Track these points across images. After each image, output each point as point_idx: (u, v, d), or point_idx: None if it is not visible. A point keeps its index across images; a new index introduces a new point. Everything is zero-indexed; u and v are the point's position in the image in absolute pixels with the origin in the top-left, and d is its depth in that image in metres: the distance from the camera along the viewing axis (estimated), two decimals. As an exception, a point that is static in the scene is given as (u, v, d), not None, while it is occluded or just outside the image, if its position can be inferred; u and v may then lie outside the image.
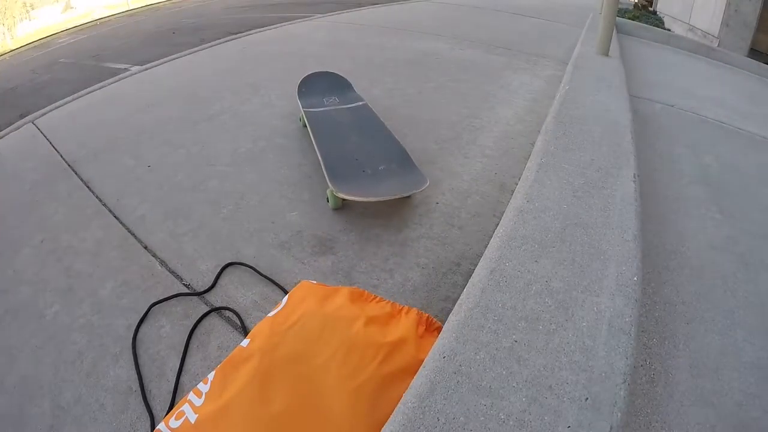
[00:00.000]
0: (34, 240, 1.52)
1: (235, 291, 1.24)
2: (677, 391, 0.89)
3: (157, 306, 1.20)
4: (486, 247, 1.03)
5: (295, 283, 1.13)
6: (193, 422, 0.81)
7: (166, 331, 1.14)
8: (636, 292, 0.88)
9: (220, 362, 0.93)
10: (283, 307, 1.03)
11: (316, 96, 2.15)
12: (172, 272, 1.32)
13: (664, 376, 0.92)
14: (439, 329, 0.94)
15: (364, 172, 1.56)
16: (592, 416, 0.66)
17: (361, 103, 2.10)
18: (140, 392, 1.00)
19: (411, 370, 0.81)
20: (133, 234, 1.49)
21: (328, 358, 0.89)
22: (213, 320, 1.16)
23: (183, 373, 1.03)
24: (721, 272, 1.19)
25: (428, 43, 3.45)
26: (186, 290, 1.25)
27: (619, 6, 3.82)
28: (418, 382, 0.71)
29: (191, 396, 0.87)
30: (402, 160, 1.62)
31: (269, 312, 1.03)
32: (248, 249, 1.38)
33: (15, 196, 1.75)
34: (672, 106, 2.32)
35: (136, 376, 1.03)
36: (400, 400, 0.69)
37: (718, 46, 5.65)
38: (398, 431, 0.64)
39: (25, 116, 2.66)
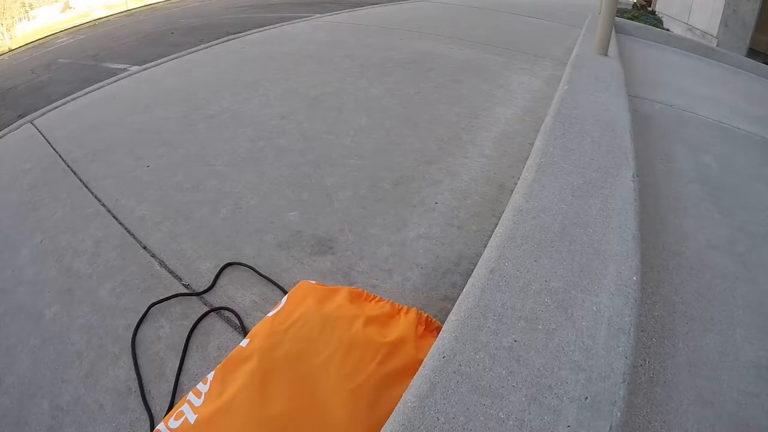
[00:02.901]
0: (33, 240, 1.51)
1: (235, 291, 1.24)
2: (676, 390, 0.89)
3: (156, 306, 1.20)
4: (485, 246, 1.03)
5: (295, 283, 1.13)
6: (192, 422, 0.81)
7: (166, 332, 1.14)
8: (635, 292, 0.88)
9: (220, 362, 0.93)
10: (282, 307, 1.03)
11: None
12: (172, 272, 1.32)
13: (663, 375, 0.92)
14: (438, 329, 0.94)
15: None
16: (592, 416, 0.66)
17: None
18: (140, 393, 0.99)
19: (410, 370, 0.81)
20: (132, 234, 1.49)
21: (328, 358, 0.89)
22: (212, 320, 1.16)
23: (182, 373, 1.03)
24: (720, 272, 1.19)
25: (428, 43, 3.45)
26: (185, 290, 1.25)
27: (618, 6, 3.82)
28: (417, 381, 0.71)
29: (191, 396, 0.86)
30: None
31: (268, 312, 1.03)
32: (247, 249, 1.38)
33: (14, 196, 1.74)
34: (671, 105, 2.32)
35: (135, 376, 1.03)
36: (400, 400, 0.69)
37: (717, 46, 5.66)
38: (398, 431, 0.64)
39: (23, 116, 2.66)
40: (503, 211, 1.15)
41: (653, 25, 6.03)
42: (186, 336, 1.10)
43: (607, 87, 2.02)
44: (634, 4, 9.63)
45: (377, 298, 1.06)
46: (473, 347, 0.75)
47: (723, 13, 5.91)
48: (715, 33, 6.13)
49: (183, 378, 1.02)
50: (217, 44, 3.72)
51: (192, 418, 0.82)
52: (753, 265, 1.22)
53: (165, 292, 1.24)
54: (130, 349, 1.09)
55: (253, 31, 4.09)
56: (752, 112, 2.49)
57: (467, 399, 0.67)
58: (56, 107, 2.67)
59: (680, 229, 1.34)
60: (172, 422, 0.82)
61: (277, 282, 1.25)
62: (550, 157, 1.32)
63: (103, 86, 2.95)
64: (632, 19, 6.29)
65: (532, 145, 1.45)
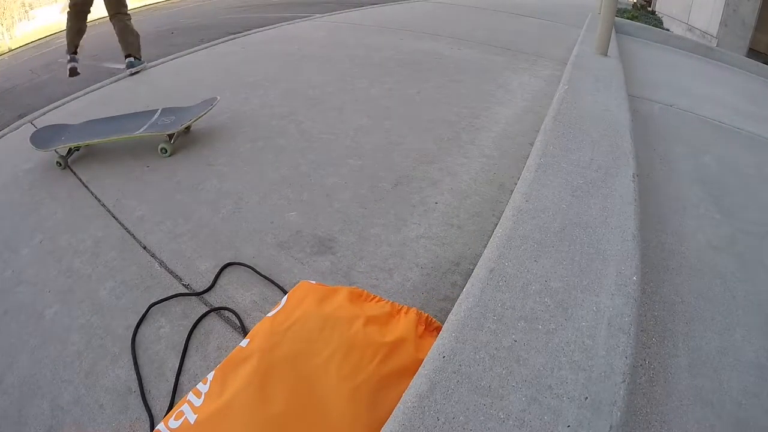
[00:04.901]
0: (34, 240, 1.51)
1: (235, 291, 1.24)
2: (676, 390, 0.89)
3: (156, 306, 1.20)
4: (485, 246, 1.03)
5: (295, 283, 1.13)
6: (192, 422, 0.81)
7: (166, 332, 1.14)
8: (635, 292, 0.88)
9: (220, 362, 0.93)
10: (282, 307, 1.03)
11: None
12: (171, 272, 1.32)
13: (663, 375, 0.92)
14: (438, 329, 0.94)
15: None
16: (592, 415, 0.66)
17: None
18: (139, 393, 0.99)
19: (410, 369, 0.81)
20: (132, 234, 1.49)
21: (328, 358, 0.89)
22: (212, 320, 1.16)
23: (182, 373, 1.03)
24: (720, 272, 1.19)
25: (427, 43, 3.45)
26: (185, 290, 1.25)
27: (618, 6, 3.83)
28: (417, 381, 0.71)
29: (190, 396, 0.86)
30: None
31: (268, 312, 1.03)
32: (247, 249, 1.38)
33: (14, 196, 1.74)
34: (671, 105, 2.32)
35: (135, 376, 1.03)
36: (400, 400, 0.69)
37: (717, 45, 5.66)
38: (398, 431, 0.64)
39: (23, 116, 2.66)
40: (503, 211, 1.15)
41: (653, 25, 6.04)
42: (186, 336, 1.10)
43: (607, 87, 2.02)
44: (634, 4, 9.63)
45: (377, 298, 1.06)
46: (473, 347, 0.75)
47: (723, 13, 5.91)
48: (715, 33, 6.13)
49: (183, 378, 1.02)
50: (218, 44, 3.72)
51: (192, 418, 0.82)
52: (753, 265, 1.22)
53: (165, 292, 1.24)
54: (130, 349, 1.09)
55: (254, 31, 4.09)
56: (752, 112, 2.49)
57: (467, 399, 0.67)
58: (56, 107, 2.67)
59: (680, 229, 1.34)
60: (172, 422, 0.82)
61: (277, 282, 1.25)
62: (550, 157, 1.32)
63: (103, 86, 2.95)
64: (632, 19, 6.29)
65: (531, 144, 1.45)
